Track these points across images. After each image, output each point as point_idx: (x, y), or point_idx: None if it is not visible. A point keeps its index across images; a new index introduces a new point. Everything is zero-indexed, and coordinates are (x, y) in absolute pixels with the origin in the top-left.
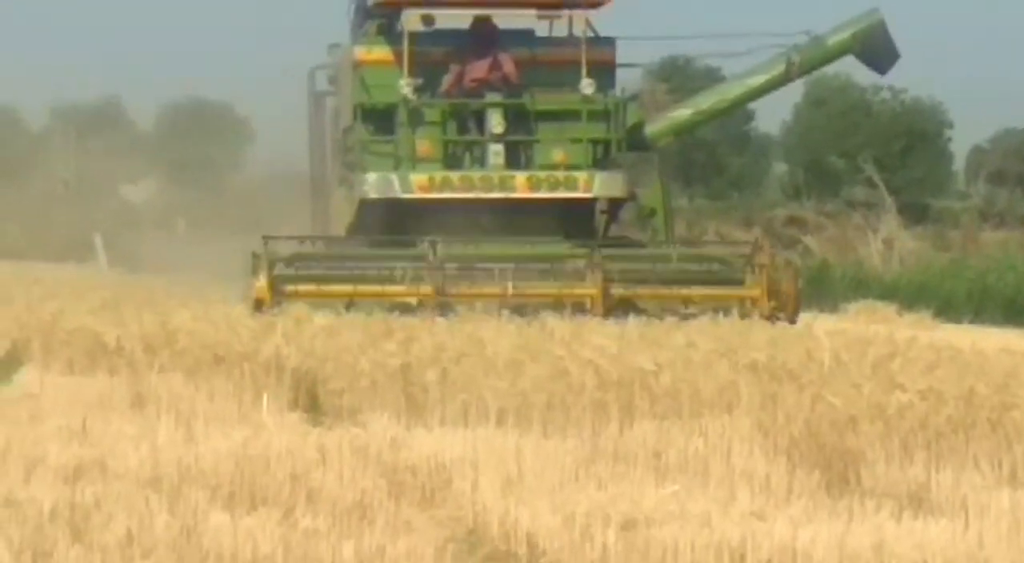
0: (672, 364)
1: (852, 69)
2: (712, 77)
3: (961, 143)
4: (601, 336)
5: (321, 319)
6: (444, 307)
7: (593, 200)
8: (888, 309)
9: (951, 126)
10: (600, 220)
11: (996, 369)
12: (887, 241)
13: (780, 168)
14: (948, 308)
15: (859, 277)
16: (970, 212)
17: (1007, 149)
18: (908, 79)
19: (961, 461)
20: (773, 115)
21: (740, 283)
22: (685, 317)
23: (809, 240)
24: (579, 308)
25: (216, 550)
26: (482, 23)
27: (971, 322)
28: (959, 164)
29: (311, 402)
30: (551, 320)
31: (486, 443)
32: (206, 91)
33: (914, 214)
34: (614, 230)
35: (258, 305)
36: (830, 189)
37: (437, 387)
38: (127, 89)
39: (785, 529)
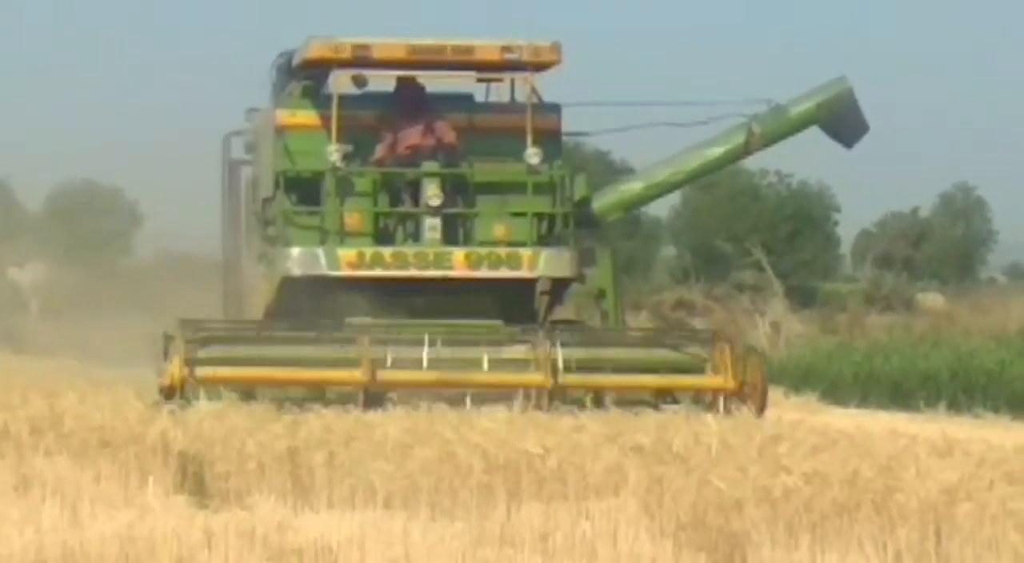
0: (559, 447)
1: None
2: (601, 160)
3: (848, 227)
4: (489, 420)
5: (207, 403)
6: (375, 398)
7: (535, 280)
8: (775, 392)
9: (838, 210)
10: (541, 301)
11: (881, 452)
12: (774, 324)
13: (668, 251)
14: (835, 391)
15: None
16: (857, 296)
17: (893, 233)
18: (794, 163)
19: (846, 544)
20: (662, 199)
21: (700, 371)
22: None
23: (697, 323)
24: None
25: None
26: (408, 84)
27: (857, 405)
28: (846, 247)
29: (197, 485)
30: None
31: (373, 526)
32: (96, 172)
33: (801, 297)
34: (557, 313)
35: (170, 393)
36: (718, 272)
37: (324, 470)
38: (16, 170)
39: None
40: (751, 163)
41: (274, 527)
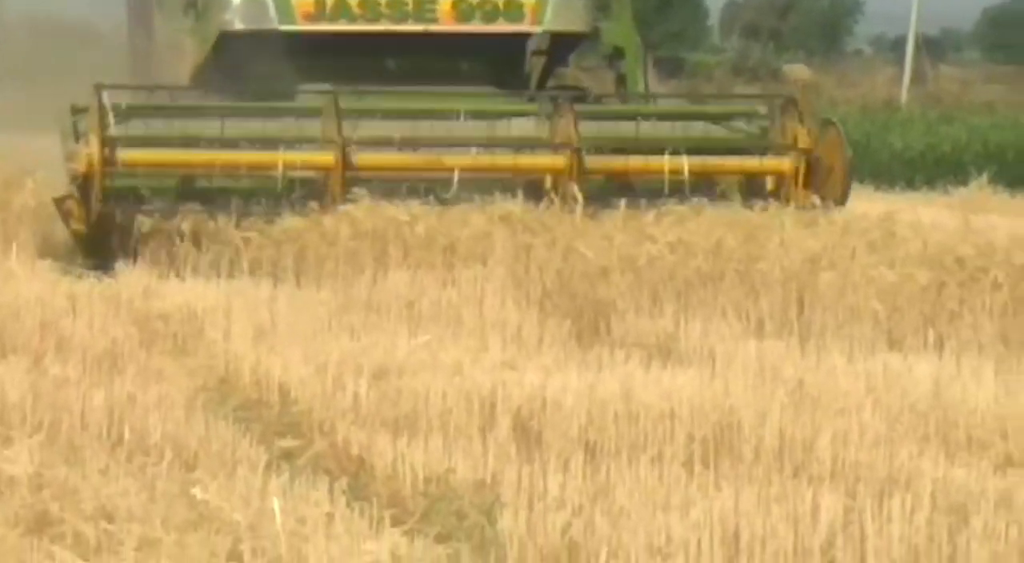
0: (426, 215)
1: None
2: None
3: None
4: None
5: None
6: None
7: (527, 37)
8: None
9: None
10: (534, 63)
11: (745, 222)
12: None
13: None
14: None
15: None
16: (723, 67)
17: (761, 3)
18: None
19: (709, 312)
20: None
21: (763, 152)
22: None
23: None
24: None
25: None
26: None
27: None
28: (714, 18)
29: (61, 252)
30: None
31: (239, 293)
32: None
33: (669, 68)
34: (560, 78)
35: (85, 181)
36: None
37: (189, 237)
38: None
39: (536, 378)
40: None
41: (139, 293)
